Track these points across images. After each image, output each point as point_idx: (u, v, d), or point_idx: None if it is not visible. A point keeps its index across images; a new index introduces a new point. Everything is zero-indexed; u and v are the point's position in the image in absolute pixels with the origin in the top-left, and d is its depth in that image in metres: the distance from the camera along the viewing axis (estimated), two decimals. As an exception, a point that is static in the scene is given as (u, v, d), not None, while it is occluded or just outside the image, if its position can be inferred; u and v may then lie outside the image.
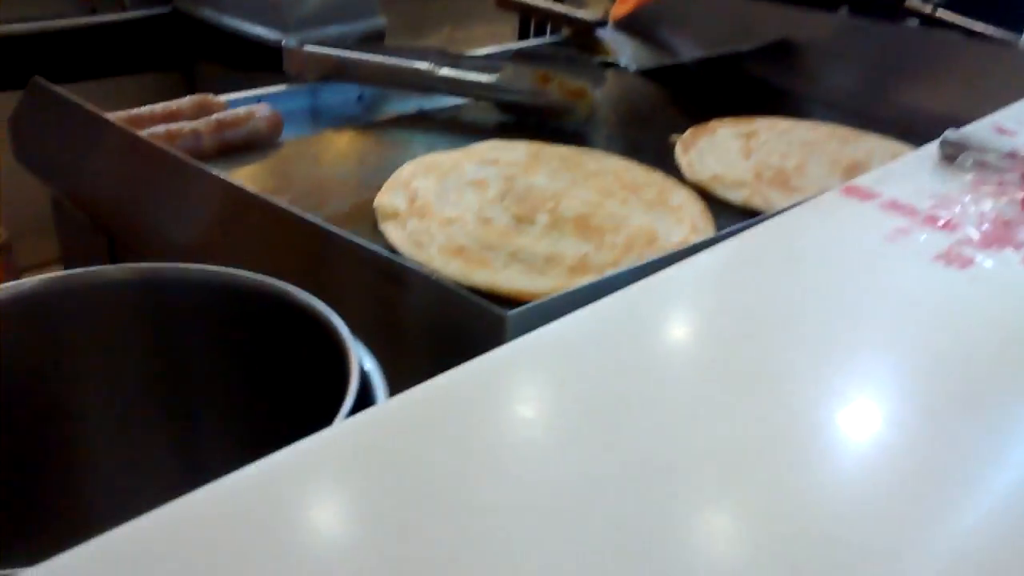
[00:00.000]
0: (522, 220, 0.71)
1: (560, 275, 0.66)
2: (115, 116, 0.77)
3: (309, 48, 0.93)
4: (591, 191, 0.76)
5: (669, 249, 0.69)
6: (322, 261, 0.54)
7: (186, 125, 0.79)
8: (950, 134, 0.56)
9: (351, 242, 0.50)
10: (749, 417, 0.34)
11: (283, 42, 0.94)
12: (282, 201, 0.56)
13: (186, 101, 0.83)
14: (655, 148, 0.90)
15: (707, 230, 0.73)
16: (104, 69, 2.04)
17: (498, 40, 2.54)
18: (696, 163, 0.84)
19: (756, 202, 0.78)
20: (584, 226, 0.71)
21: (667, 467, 0.31)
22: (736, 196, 0.79)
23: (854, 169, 0.83)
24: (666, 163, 0.87)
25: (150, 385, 0.45)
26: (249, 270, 0.48)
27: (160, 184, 0.64)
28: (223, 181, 0.58)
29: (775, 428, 0.33)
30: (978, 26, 1.17)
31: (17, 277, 0.65)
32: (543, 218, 0.72)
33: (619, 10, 1.60)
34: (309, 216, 0.53)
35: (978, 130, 0.61)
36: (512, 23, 2.36)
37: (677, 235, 0.71)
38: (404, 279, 0.48)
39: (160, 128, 0.78)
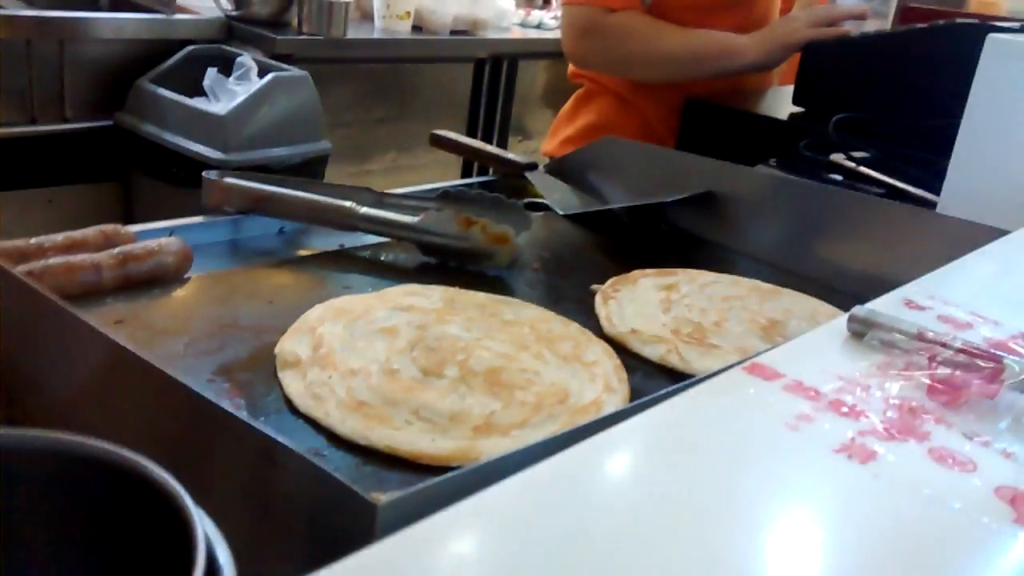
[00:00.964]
0: (430, 373, 0.69)
1: (464, 435, 0.63)
2: (10, 245, 0.74)
3: (229, 180, 0.92)
4: (505, 343, 0.74)
5: (579, 410, 0.67)
6: (195, 425, 0.50)
7: (87, 258, 0.76)
8: (858, 311, 0.55)
9: (215, 406, 0.47)
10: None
11: (203, 173, 0.92)
12: (164, 352, 0.53)
13: (91, 231, 0.80)
14: (577, 296, 0.89)
15: (620, 389, 0.71)
16: (43, 179, 2.02)
17: (443, 167, 2.59)
18: (615, 315, 0.83)
19: (672, 360, 0.77)
20: (494, 381, 0.69)
21: None
22: (652, 352, 0.78)
23: (771, 327, 0.83)
24: (587, 312, 0.86)
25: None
26: (127, 429, 0.45)
27: (36, 327, 0.60)
28: (92, 328, 0.54)
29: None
30: (899, 184, 1.21)
31: None
32: (452, 371, 0.69)
33: (547, 146, 1.63)
34: (177, 376, 0.50)
35: (886, 304, 0.60)
36: (456, 154, 2.40)
37: (589, 394, 0.69)
38: (272, 455, 0.44)
39: (59, 260, 0.75)
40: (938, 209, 1.06)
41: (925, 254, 0.81)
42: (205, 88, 2.01)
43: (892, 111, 1.41)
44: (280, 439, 0.44)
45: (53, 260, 0.75)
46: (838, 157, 1.28)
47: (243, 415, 0.46)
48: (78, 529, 0.40)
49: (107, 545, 0.40)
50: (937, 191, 1.08)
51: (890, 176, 1.22)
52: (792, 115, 1.49)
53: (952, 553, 0.37)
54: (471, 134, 2.69)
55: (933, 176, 1.12)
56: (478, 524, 0.36)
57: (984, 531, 0.38)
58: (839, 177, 1.24)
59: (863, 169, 1.25)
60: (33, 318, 0.61)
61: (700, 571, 0.35)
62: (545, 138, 1.68)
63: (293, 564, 0.32)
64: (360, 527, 0.40)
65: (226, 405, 0.49)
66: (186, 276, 0.82)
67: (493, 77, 2.71)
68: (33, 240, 0.77)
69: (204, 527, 0.37)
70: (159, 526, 0.38)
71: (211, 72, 2.01)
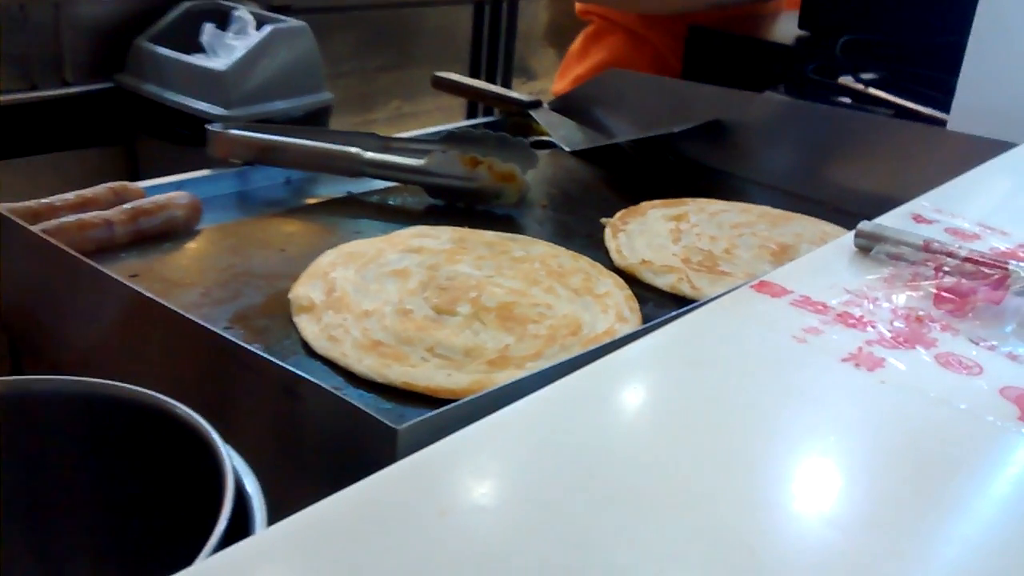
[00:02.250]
0: (443, 311, 0.69)
1: (479, 369, 0.64)
2: (22, 206, 0.75)
3: (233, 131, 0.92)
4: (516, 279, 0.75)
5: (591, 340, 0.67)
6: (217, 367, 0.51)
7: (99, 214, 0.76)
8: (864, 225, 0.55)
9: (240, 347, 0.48)
10: (673, 518, 0.32)
11: (207, 126, 0.92)
12: (175, 302, 0.54)
13: (101, 189, 0.80)
14: (586, 231, 0.90)
15: (632, 318, 0.71)
16: (46, 145, 2.02)
17: (446, 113, 2.57)
18: (625, 248, 0.83)
19: (683, 288, 0.77)
20: (507, 316, 0.69)
21: (614, 571, 0.29)
22: (664, 282, 0.78)
23: (782, 252, 0.83)
24: (597, 247, 0.86)
25: (15, 505, 0.42)
26: (147, 375, 0.46)
27: (55, 282, 0.62)
28: (115, 280, 0.55)
29: (696, 532, 0.31)
30: (908, 104, 1.20)
31: None
32: (465, 309, 0.70)
33: (558, 86, 1.62)
34: (198, 319, 0.51)
35: (894, 220, 0.60)
36: (459, 98, 2.39)
37: (602, 324, 0.70)
38: (295, 389, 0.45)
39: (72, 218, 0.76)
40: (948, 127, 1.05)
41: (935, 172, 0.81)
42: (203, 44, 2.00)
43: (899, 30, 1.39)
44: (303, 374, 0.45)
45: (65, 218, 0.76)
46: (847, 80, 1.27)
47: (267, 354, 0.47)
48: (111, 469, 0.42)
49: (140, 483, 0.42)
50: (947, 109, 1.07)
51: (900, 96, 1.21)
52: (799, 39, 1.47)
53: (958, 451, 0.38)
54: (474, 77, 2.66)
55: (943, 94, 1.11)
56: (494, 442, 0.37)
57: (989, 429, 0.39)
58: (848, 100, 1.23)
59: (872, 90, 1.24)
60: (53, 274, 0.62)
61: (713, 478, 0.36)
62: (555, 78, 1.66)
63: (318, 493, 0.33)
64: (382, 454, 0.41)
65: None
66: (197, 228, 0.82)
67: (494, 17, 2.68)
68: (45, 200, 0.78)
69: (232, 459, 0.38)
70: (188, 462, 0.39)
71: (208, 27, 1.99)
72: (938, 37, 1.33)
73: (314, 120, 2.05)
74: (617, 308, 0.72)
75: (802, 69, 1.31)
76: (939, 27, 1.35)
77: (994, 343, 0.46)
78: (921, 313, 0.48)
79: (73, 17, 1.97)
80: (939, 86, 1.17)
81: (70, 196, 0.79)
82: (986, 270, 0.50)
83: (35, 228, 0.66)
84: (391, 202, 0.94)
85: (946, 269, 0.51)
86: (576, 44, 1.60)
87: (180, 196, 0.81)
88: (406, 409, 0.60)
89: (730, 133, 1.11)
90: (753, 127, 1.09)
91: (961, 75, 1.04)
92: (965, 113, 1.05)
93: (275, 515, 0.39)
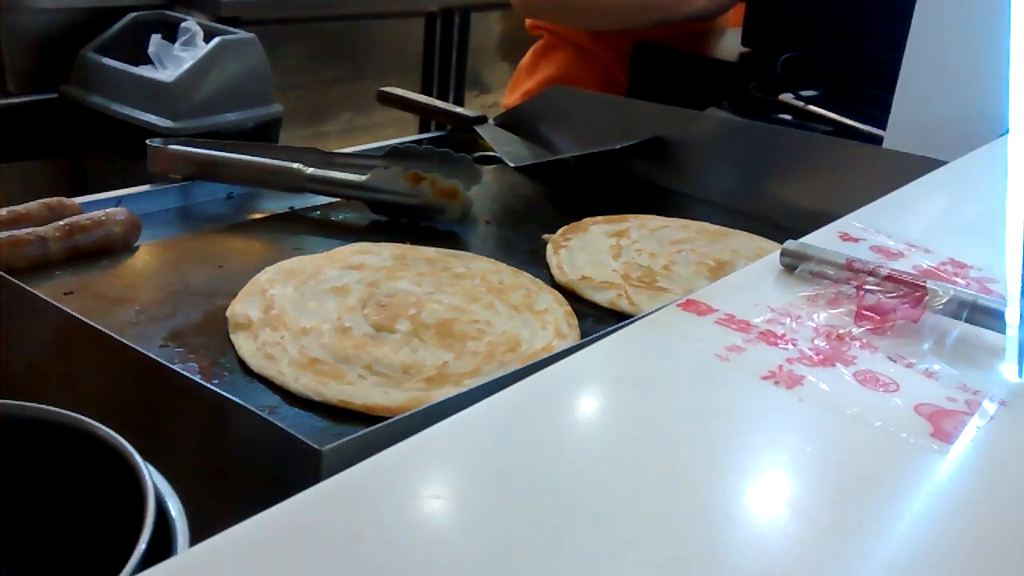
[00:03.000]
0: (382, 328, 0.69)
1: (417, 387, 0.64)
2: (-47, 223, 0.74)
3: (174, 146, 0.91)
4: (456, 296, 0.75)
5: (529, 356, 0.68)
6: (148, 389, 0.51)
7: (33, 231, 0.75)
8: (789, 244, 0.57)
9: (167, 368, 0.48)
10: (602, 527, 0.33)
11: (147, 141, 0.91)
12: (116, 320, 0.54)
13: (35, 205, 0.79)
14: (529, 247, 0.90)
15: (571, 334, 0.72)
16: (-12, 155, 1.98)
17: (398, 127, 2.57)
18: (565, 264, 0.84)
19: (622, 304, 0.78)
20: (446, 333, 0.70)
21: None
22: (603, 298, 0.79)
23: (719, 268, 0.84)
24: (539, 263, 0.87)
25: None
26: (77, 397, 0.45)
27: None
28: (40, 299, 0.55)
29: (623, 543, 0.32)
30: (847, 121, 1.22)
31: None
32: (404, 325, 0.70)
33: (508, 100, 1.63)
34: (125, 340, 0.50)
35: (821, 238, 0.62)
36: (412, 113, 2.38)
37: (541, 341, 0.71)
38: (222, 410, 0.45)
39: (4, 234, 0.75)
40: (884, 144, 1.08)
41: (871, 189, 0.83)
42: (150, 56, 1.98)
43: (839, 48, 1.42)
44: (229, 395, 0.44)
45: (-2, 235, 0.75)
46: (787, 97, 1.29)
47: (195, 376, 0.47)
48: (29, 491, 0.41)
49: (60, 505, 0.41)
50: (884, 126, 1.10)
51: (839, 113, 1.24)
52: (742, 56, 1.50)
53: (872, 468, 0.39)
54: (426, 90, 2.67)
55: (880, 111, 1.14)
56: (422, 460, 0.38)
57: (903, 445, 0.40)
58: (788, 116, 1.26)
59: (812, 107, 1.26)
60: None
61: (634, 490, 0.36)
62: (505, 92, 1.67)
63: (246, 515, 0.33)
64: (307, 475, 0.41)
65: (179, 368, 0.49)
66: (135, 245, 0.82)
67: (446, 31, 2.69)
68: (-23, 216, 0.76)
69: (154, 481, 0.38)
70: (110, 483, 0.39)
71: (155, 39, 1.97)
72: (876, 55, 1.36)
73: (264, 132, 2.04)
74: (556, 324, 0.73)
75: (745, 86, 1.34)
76: (877, 45, 1.39)
77: (912, 360, 0.47)
78: (842, 331, 0.49)
79: (15, 26, 1.94)
80: (876, 103, 1.20)
81: (2, 212, 0.78)
82: (906, 288, 0.52)
83: (-36, 246, 0.65)
84: (333, 218, 0.94)
85: (868, 287, 0.52)
86: (526, 59, 1.62)
87: (118, 212, 0.80)
88: (343, 427, 0.60)
89: (673, 150, 1.12)
90: (695, 144, 1.11)
91: (896, 93, 1.06)
92: (900, 130, 1.07)
93: (203, 537, 0.39)
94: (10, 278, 0.57)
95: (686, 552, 0.34)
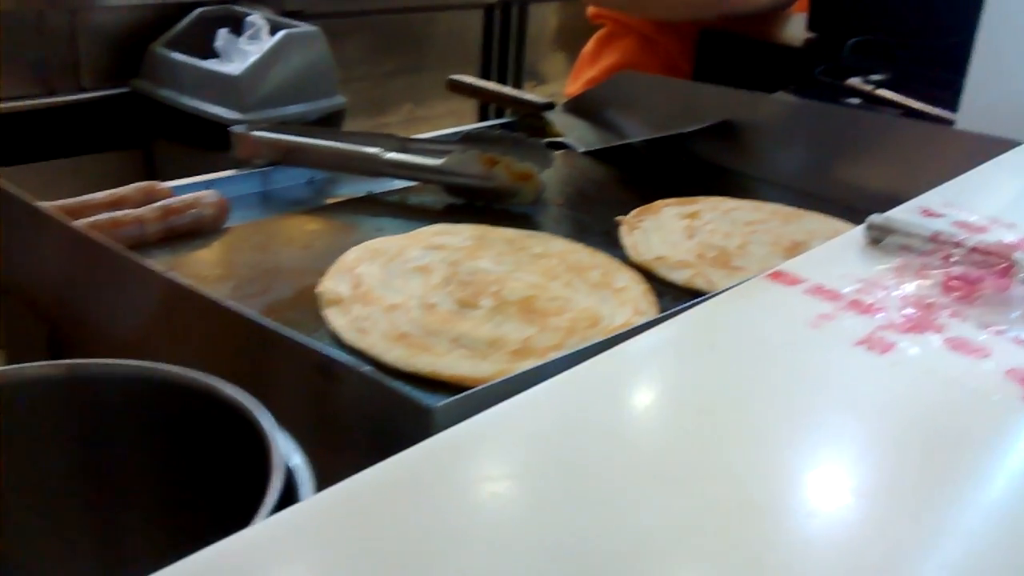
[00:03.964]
0: (466, 305, 0.72)
1: (503, 359, 0.66)
2: (57, 204, 0.77)
3: (257, 133, 0.94)
4: (536, 274, 0.77)
5: (610, 332, 0.69)
6: (256, 353, 0.53)
7: (130, 212, 0.79)
8: (875, 218, 0.57)
9: (280, 333, 0.50)
10: (696, 489, 0.34)
11: (231, 128, 0.95)
12: (215, 292, 0.56)
13: (131, 188, 0.83)
14: (601, 229, 0.92)
15: (649, 311, 0.74)
16: (64, 149, 2.05)
17: (458, 117, 2.60)
18: (640, 244, 0.85)
19: (698, 283, 0.79)
20: (528, 309, 0.72)
21: (632, 544, 0.31)
22: (679, 276, 0.80)
23: (794, 249, 0.85)
24: (612, 244, 0.88)
25: (74, 481, 0.45)
26: (186, 363, 0.48)
27: (95, 275, 0.64)
28: (156, 273, 0.58)
29: (718, 502, 0.34)
30: (916, 104, 1.22)
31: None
32: (487, 302, 0.72)
33: (571, 88, 1.64)
34: (240, 307, 0.53)
35: (903, 213, 0.62)
36: (471, 101, 2.41)
37: (620, 317, 0.72)
38: (332, 371, 0.48)
39: (104, 216, 0.78)
40: (956, 126, 1.07)
41: (943, 170, 0.83)
42: (217, 49, 2.03)
43: (907, 31, 1.41)
44: (341, 357, 0.47)
45: (98, 217, 0.78)
46: (855, 81, 1.29)
47: (305, 338, 0.50)
48: (164, 448, 0.44)
49: (191, 460, 0.44)
50: (955, 109, 1.09)
51: (908, 97, 1.23)
52: (808, 41, 1.49)
53: (968, 427, 0.40)
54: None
55: (951, 94, 1.13)
56: (522, 420, 0.39)
57: (995, 407, 0.41)
58: (857, 101, 1.25)
59: (880, 91, 1.26)
60: (92, 268, 0.64)
61: (731, 454, 0.38)
62: (568, 81, 1.68)
63: (356, 471, 0.35)
64: (417, 432, 0.43)
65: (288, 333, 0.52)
66: (224, 227, 0.85)
67: (504, 22, 2.71)
68: (77, 199, 0.80)
69: (278, 434, 0.40)
70: (236, 438, 0.42)
71: (222, 33, 2.03)
72: (945, 38, 1.35)
73: (327, 124, 2.08)
74: (635, 302, 0.74)
75: (811, 71, 1.34)
76: (946, 28, 1.37)
77: (1002, 328, 0.48)
78: (930, 300, 0.50)
79: (89, 23, 2.00)
80: (947, 86, 1.19)
81: (101, 195, 0.82)
82: (993, 260, 0.52)
83: (75, 223, 0.69)
84: (411, 201, 0.96)
85: (954, 259, 0.53)
86: (588, 47, 1.63)
87: (208, 195, 0.84)
88: (432, 397, 0.62)
89: (741, 133, 1.13)
90: (764, 127, 1.12)
91: (968, 75, 1.06)
92: (973, 112, 1.07)
93: (319, 489, 0.41)
94: (123, 251, 0.60)
95: (787, 500, 0.35)
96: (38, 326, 0.74)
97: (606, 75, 1.51)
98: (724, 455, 0.38)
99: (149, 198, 0.84)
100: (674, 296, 0.79)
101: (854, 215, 0.96)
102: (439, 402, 0.44)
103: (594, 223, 0.94)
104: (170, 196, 0.85)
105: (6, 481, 0.44)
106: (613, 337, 0.53)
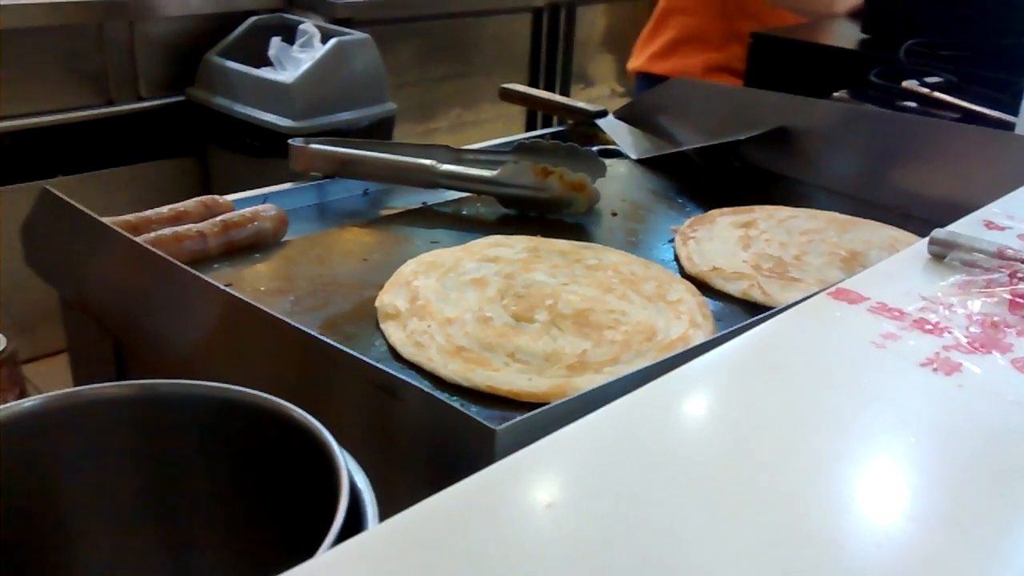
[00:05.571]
0: (521, 318, 0.72)
1: (559, 374, 0.66)
2: (121, 220, 0.79)
3: (314, 146, 0.96)
4: (590, 286, 0.77)
5: (666, 346, 0.69)
6: (316, 369, 0.54)
7: (192, 227, 0.81)
8: (938, 233, 0.57)
9: (340, 350, 0.51)
10: (757, 516, 0.34)
11: (289, 140, 0.96)
12: (274, 308, 0.57)
13: (192, 203, 0.85)
14: (655, 239, 0.92)
15: (705, 324, 0.73)
16: (123, 157, 2.10)
17: (507, 121, 2.60)
18: (695, 255, 0.85)
19: (755, 295, 0.79)
20: (583, 323, 0.72)
21: (702, 566, 0.31)
22: (735, 288, 0.80)
23: (852, 259, 0.84)
24: (667, 254, 0.88)
25: (145, 500, 0.46)
26: (247, 377, 0.49)
27: (158, 290, 0.66)
28: (217, 288, 0.59)
29: (779, 529, 0.34)
30: (975, 108, 1.19)
31: (22, 388, 0.66)
32: (542, 315, 0.72)
33: (635, 63, 1.69)
34: (299, 324, 0.54)
35: (966, 226, 0.61)
36: (519, 107, 2.42)
37: (676, 330, 0.72)
38: (394, 389, 0.48)
39: (167, 230, 0.80)
40: (1016, 130, 1.05)
41: (1003, 176, 0.81)
42: (271, 58, 2.06)
43: (964, 33, 1.39)
44: (403, 377, 0.48)
45: (161, 231, 0.80)
46: (911, 84, 1.27)
47: (367, 358, 0.50)
48: (232, 467, 0.45)
49: (258, 480, 0.45)
50: (1015, 112, 1.07)
51: (966, 100, 1.21)
52: (862, 43, 1.48)
53: (1037, 453, 0.39)
54: (533, 85, 2.69)
55: (1011, 97, 1.11)
56: (586, 443, 0.40)
57: (1068, 432, 0.40)
58: (913, 104, 1.24)
59: (937, 94, 1.24)
60: (155, 283, 0.66)
61: (795, 478, 0.38)
62: (631, 56, 1.74)
63: (416, 490, 0.36)
64: (480, 453, 0.44)
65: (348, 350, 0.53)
66: (283, 240, 0.86)
67: (552, 26, 2.71)
68: (141, 214, 0.82)
69: (344, 458, 0.41)
70: (303, 460, 0.42)
71: (275, 41, 2.05)
72: (1004, 39, 1.33)
73: (378, 130, 2.10)
74: (690, 314, 0.74)
75: (865, 74, 1.32)
76: (1005, 29, 1.35)
77: (1070, 348, 0.47)
78: (996, 319, 0.49)
79: (146, 34, 2.05)
80: (1006, 89, 1.17)
81: (165, 210, 0.84)
82: (1061, 276, 0.51)
83: (138, 239, 0.71)
84: (465, 212, 0.97)
85: (1020, 275, 0.52)
86: (650, 23, 1.74)
87: (268, 208, 0.85)
88: (489, 412, 0.63)
89: (796, 139, 1.12)
90: (818, 133, 1.10)
91: (1030, 78, 1.04)
92: (1034, 116, 1.04)
93: (381, 513, 0.42)
94: (185, 267, 0.61)
95: (849, 525, 0.35)
96: (103, 339, 0.76)
97: (668, 48, 1.63)
98: (786, 482, 0.38)
99: (211, 212, 0.86)
100: (730, 308, 0.78)
101: (911, 223, 0.95)
102: (502, 424, 0.45)
103: (648, 233, 0.94)
104: (230, 209, 0.87)
105: (78, 498, 0.45)
106: (675, 356, 0.53)
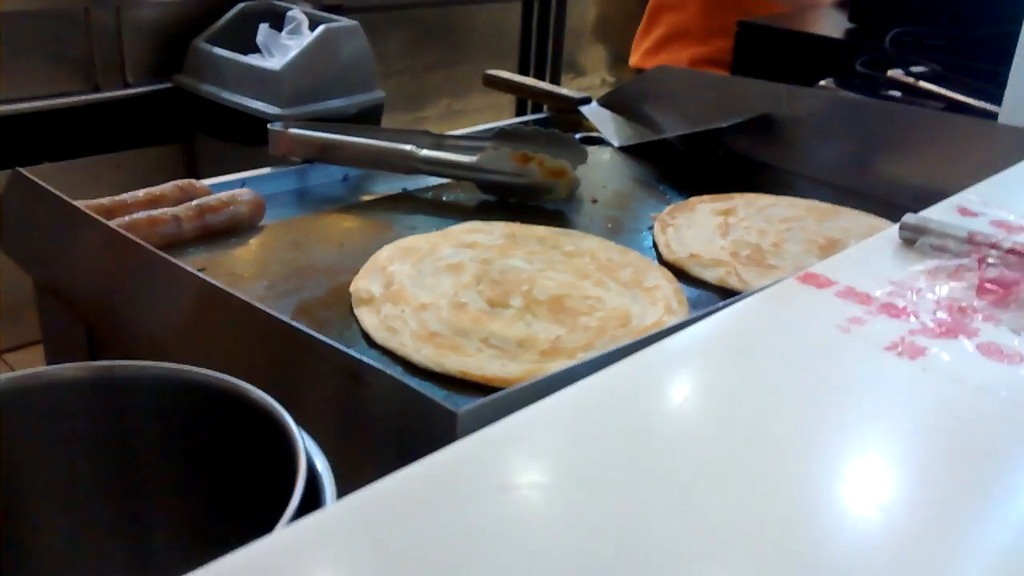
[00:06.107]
0: (496, 304, 0.72)
1: (532, 359, 0.66)
2: (96, 203, 0.79)
3: (294, 130, 0.95)
4: (566, 273, 0.77)
5: (640, 332, 0.69)
6: (285, 354, 0.54)
7: (167, 211, 0.80)
8: (909, 218, 0.56)
9: (308, 335, 0.51)
10: (720, 497, 0.34)
11: (268, 124, 0.96)
12: (245, 293, 0.57)
13: (168, 187, 0.84)
14: (635, 226, 0.91)
15: (680, 311, 0.73)
16: (110, 144, 2.09)
17: (496, 110, 2.60)
18: (673, 242, 0.85)
19: (731, 282, 0.78)
20: (558, 309, 0.72)
21: (658, 551, 0.31)
22: (712, 275, 0.80)
23: (830, 247, 0.84)
24: (646, 241, 0.88)
25: (104, 480, 0.46)
26: (219, 362, 0.49)
27: (131, 275, 0.65)
28: (188, 272, 0.58)
29: (743, 511, 0.33)
30: (959, 97, 1.19)
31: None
32: (517, 301, 0.72)
33: (633, 60, 1.70)
34: (269, 309, 0.54)
35: (940, 212, 0.61)
36: (508, 95, 2.41)
37: (651, 316, 0.72)
38: (359, 373, 0.48)
39: (141, 214, 0.79)
40: (999, 120, 1.05)
41: (985, 165, 0.81)
42: (258, 44, 2.04)
43: (950, 23, 1.38)
44: (368, 361, 0.47)
45: (136, 215, 0.79)
46: (896, 73, 1.27)
47: (336, 343, 0.50)
48: (190, 449, 0.45)
49: (216, 461, 0.44)
50: (998, 102, 1.07)
51: (951, 89, 1.21)
52: (848, 32, 1.47)
53: (999, 438, 0.39)
54: (524, 74, 2.68)
55: (994, 87, 1.10)
56: (547, 424, 0.39)
57: (1030, 415, 0.40)
58: (898, 93, 1.23)
59: (922, 84, 1.23)
60: (128, 267, 0.65)
61: (758, 461, 0.37)
62: (631, 51, 1.75)
63: (380, 474, 0.36)
64: (442, 435, 0.43)
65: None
66: (260, 225, 0.86)
67: (542, 14, 2.70)
68: (116, 197, 0.82)
69: (303, 440, 0.41)
70: (262, 441, 0.42)
71: (263, 28, 2.04)
72: (989, 29, 1.32)
73: (367, 118, 2.09)
74: (666, 300, 0.74)
75: (851, 63, 1.32)
76: (990, 18, 1.34)
77: (1037, 333, 0.47)
78: (964, 304, 0.49)
79: (133, 20, 2.03)
80: (990, 78, 1.17)
81: (140, 193, 0.83)
82: (1030, 262, 0.51)
83: (111, 223, 0.70)
84: (445, 198, 0.96)
85: (990, 261, 0.52)
86: (643, 21, 1.74)
87: (244, 193, 0.84)
88: (460, 397, 0.62)
89: (779, 127, 1.11)
90: (802, 121, 1.10)
91: (1013, 67, 1.03)
92: (1016, 105, 1.04)
93: (341, 493, 0.42)
94: (157, 251, 0.61)
95: (813, 510, 0.35)
96: (75, 324, 0.76)
97: (660, 44, 1.65)
98: (751, 463, 0.38)
99: (187, 196, 0.85)
100: (706, 295, 0.78)
101: (892, 211, 0.95)
102: (464, 406, 0.44)
103: (628, 220, 0.93)
104: (207, 194, 0.86)
105: (36, 480, 0.45)
106: (640, 340, 0.52)
